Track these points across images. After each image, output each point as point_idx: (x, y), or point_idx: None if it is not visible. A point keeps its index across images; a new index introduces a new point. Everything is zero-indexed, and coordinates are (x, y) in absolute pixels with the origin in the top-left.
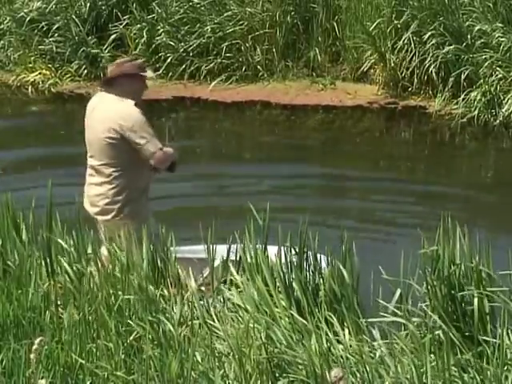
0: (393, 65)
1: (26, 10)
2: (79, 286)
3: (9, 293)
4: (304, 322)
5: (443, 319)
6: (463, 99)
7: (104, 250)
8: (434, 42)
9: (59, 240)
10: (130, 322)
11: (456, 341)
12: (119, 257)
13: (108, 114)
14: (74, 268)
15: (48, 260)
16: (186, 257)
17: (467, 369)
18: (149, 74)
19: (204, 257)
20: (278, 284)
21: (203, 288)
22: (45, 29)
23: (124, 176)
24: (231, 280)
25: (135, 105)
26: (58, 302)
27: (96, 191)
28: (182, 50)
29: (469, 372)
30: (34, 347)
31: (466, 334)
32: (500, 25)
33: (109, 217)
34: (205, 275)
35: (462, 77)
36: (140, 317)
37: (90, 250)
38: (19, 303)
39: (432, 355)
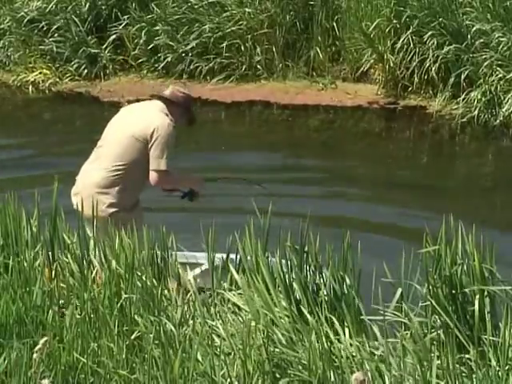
0: (392, 65)
1: (26, 10)
2: (82, 285)
3: (13, 291)
4: (306, 320)
5: (446, 317)
6: (463, 99)
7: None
8: (434, 41)
9: (64, 235)
10: (136, 319)
11: (461, 338)
12: (125, 254)
13: (149, 115)
14: (76, 268)
15: (51, 258)
16: (188, 262)
17: (471, 368)
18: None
19: (204, 262)
20: (278, 284)
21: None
22: (45, 28)
23: (125, 179)
24: (231, 280)
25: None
26: (61, 301)
27: (91, 181)
28: (181, 50)
29: (474, 371)
30: (38, 347)
31: (467, 333)
32: (499, 24)
33: (96, 211)
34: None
35: (462, 77)
36: (142, 315)
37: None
38: (23, 302)
39: (433, 355)
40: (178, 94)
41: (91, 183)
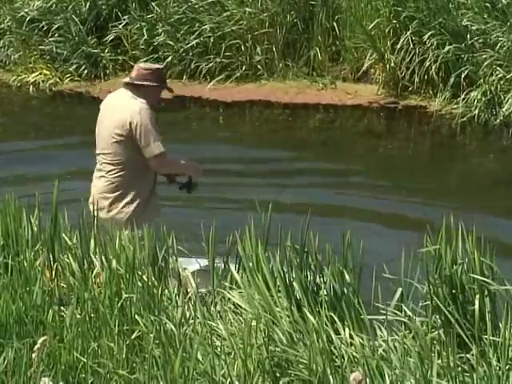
0: (393, 64)
1: (26, 10)
2: (83, 284)
3: (13, 291)
4: (308, 319)
5: (448, 314)
6: (463, 99)
7: None
8: (433, 41)
9: (64, 236)
10: (136, 318)
11: (463, 335)
12: (125, 254)
13: (120, 110)
14: (77, 268)
15: (51, 258)
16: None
17: (472, 367)
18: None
19: (205, 266)
20: (278, 283)
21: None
22: (45, 28)
23: (128, 175)
24: (231, 279)
25: (150, 107)
26: (61, 301)
27: (99, 188)
28: (181, 50)
29: (475, 370)
30: (36, 346)
31: (468, 333)
32: (498, 24)
33: (109, 214)
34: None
35: (462, 76)
36: (142, 314)
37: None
38: (23, 301)
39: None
40: (144, 72)
41: (99, 191)
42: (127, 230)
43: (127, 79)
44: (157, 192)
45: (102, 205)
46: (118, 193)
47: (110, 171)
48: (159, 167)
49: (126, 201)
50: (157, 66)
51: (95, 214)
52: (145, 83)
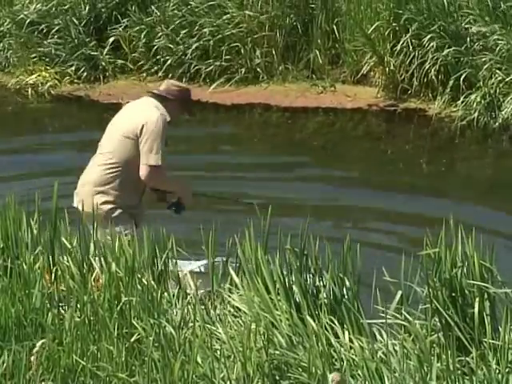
0: (392, 67)
1: (25, 12)
2: (82, 287)
3: (12, 294)
4: (308, 323)
5: (448, 317)
6: (463, 102)
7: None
8: (433, 44)
9: (63, 239)
10: (134, 323)
11: (463, 338)
12: (125, 257)
13: (139, 113)
14: (76, 270)
15: (51, 260)
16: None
17: (471, 370)
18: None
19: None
20: (277, 286)
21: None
22: (44, 31)
23: (119, 177)
24: (231, 282)
25: (168, 122)
26: (61, 304)
27: (87, 178)
28: (181, 53)
29: (474, 373)
30: (35, 349)
31: (468, 336)
32: (498, 27)
33: (91, 208)
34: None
35: (462, 79)
36: (141, 317)
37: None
38: (22, 304)
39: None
40: (173, 87)
41: (89, 181)
42: (104, 227)
43: (155, 90)
44: (143, 206)
45: (85, 195)
46: (103, 188)
47: (104, 165)
48: (148, 178)
49: (106, 199)
50: (186, 86)
51: (78, 205)
52: (170, 97)
